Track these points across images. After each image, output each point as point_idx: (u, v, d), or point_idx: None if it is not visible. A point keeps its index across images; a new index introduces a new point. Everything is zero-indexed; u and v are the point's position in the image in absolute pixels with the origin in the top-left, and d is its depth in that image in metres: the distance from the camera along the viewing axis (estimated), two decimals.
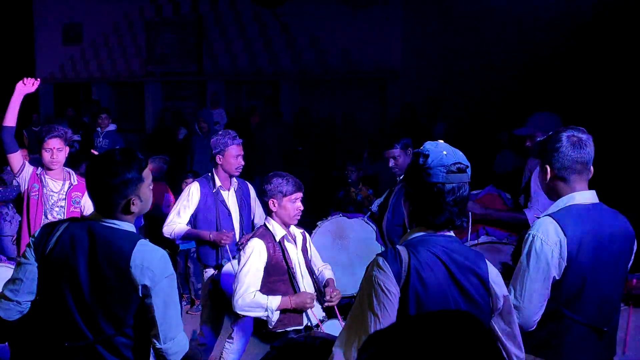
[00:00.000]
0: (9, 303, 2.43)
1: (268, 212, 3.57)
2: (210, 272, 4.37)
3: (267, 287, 3.46)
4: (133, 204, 2.37)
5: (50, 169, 4.23)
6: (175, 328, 2.38)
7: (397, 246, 2.07)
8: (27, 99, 4.30)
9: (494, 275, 2.11)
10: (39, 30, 15.39)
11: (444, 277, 2.01)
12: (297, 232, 3.69)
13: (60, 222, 2.49)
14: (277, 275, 3.49)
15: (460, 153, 2.10)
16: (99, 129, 8.93)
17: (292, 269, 3.52)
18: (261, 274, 3.45)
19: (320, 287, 3.67)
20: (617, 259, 2.48)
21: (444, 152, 2.04)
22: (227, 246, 4.25)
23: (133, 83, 14.19)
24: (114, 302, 2.32)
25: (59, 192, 4.25)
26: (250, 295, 3.38)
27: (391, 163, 4.38)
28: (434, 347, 0.79)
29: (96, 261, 2.31)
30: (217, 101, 11.52)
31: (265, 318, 3.41)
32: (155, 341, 2.35)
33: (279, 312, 3.43)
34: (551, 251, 2.38)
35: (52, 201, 4.22)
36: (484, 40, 9.96)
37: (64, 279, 2.34)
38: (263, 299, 3.39)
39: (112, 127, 9.05)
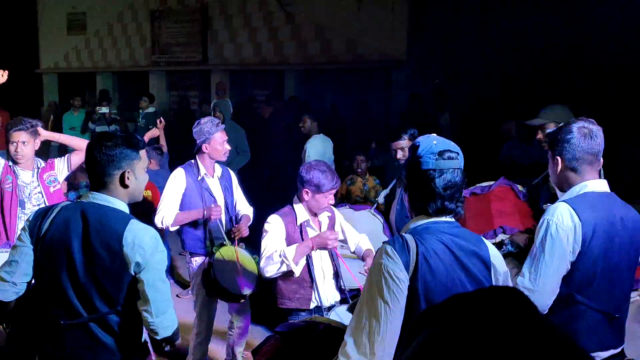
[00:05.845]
0: (5, 284, 2.54)
1: (298, 196, 3.63)
2: (199, 260, 4.34)
3: None
4: (128, 178, 2.48)
5: (16, 163, 4.20)
6: (166, 302, 2.49)
7: (404, 234, 2.11)
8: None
9: (494, 253, 2.19)
10: (43, 20, 15.38)
11: (450, 263, 2.06)
12: (324, 216, 3.77)
13: (55, 205, 2.60)
14: None
15: (452, 142, 2.19)
16: (140, 110, 10.11)
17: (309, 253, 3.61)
18: (283, 243, 3.58)
19: (339, 271, 3.74)
20: (629, 247, 2.52)
21: (434, 142, 2.14)
22: (218, 221, 4.26)
23: (138, 72, 14.17)
24: (107, 280, 2.42)
25: (31, 182, 4.22)
26: (271, 262, 3.52)
27: (399, 154, 4.38)
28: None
29: (89, 241, 2.41)
30: (222, 91, 11.50)
31: (288, 269, 3.54)
32: (147, 315, 2.45)
33: (300, 264, 3.54)
34: (566, 235, 2.41)
35: (28, 191, 4.20)
36: (490, 30, 9.92)
37: (59, 260, 2.44)
38: (279, 251, 3.53)
39: (151, 109, 10.18)
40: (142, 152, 2.56)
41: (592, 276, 2.45)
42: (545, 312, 2.47)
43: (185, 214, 4.24)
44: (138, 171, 2.53)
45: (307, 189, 3.57)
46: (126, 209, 2.52)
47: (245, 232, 4.30)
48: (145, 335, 2.63)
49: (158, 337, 2.52)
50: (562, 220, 2.42)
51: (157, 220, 4.25)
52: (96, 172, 2.50)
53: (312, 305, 3.65)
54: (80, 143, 4.35)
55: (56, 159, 4.41)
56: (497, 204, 3.82)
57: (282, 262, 3.50)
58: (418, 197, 2.15)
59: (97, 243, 2.40)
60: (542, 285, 2.43)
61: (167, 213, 4.20)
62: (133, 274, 2.40)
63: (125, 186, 2.49)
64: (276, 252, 3.51)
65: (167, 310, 2.50)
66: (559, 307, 2.47)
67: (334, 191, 3.61)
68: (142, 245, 2.39)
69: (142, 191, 2.62)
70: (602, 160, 2.56)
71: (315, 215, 3.71)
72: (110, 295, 2.43)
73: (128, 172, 2.48)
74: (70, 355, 2.48)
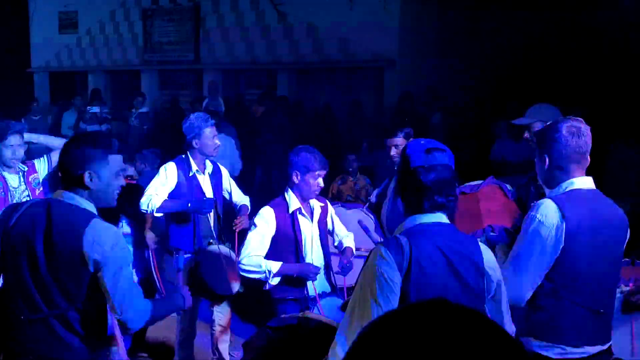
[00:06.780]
0: None
1: (289, 183, 3.64)
2: (185, 257, 4.31)
3: (274, 256, 3.61)
4: (91, 179, 2.48)
5: (9, 167, 4.15)
6: (129, 298, 2.47)
7: (398, 236, 2.12)
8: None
9: (489, 259, 2.19)
10: (35, 18, 15.28)
11: (443, 267, 2.08)
12: (316, 205, 3.77)
13: (25, 202, 2.68)
14: (285, 245, 3.63)
15: (439, 142, 2.25)
16: (133, 110, 10.09)
17: (300, 241, 3.63)
18: (268, 241, 3.60)
19: (329, 262, 3.74)
20: (613, 243, 2.56)
21: (422, 142, 2.23)
22: (207, 218, 4.26)
23: (130, 72, 14.12)
24: (68, 277, 2.45)
25: (19, 186, 4.20)
26: (254, 258, 3.54)
27: (393, 151, 4.42)
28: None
29: (51, 238, 2.44)
30: (215, 90, 11.47)
31: (264, 280, 3.58)
32: (115, 311, 2.47)
33: (279, 277, 3.58)
34: (549, 231, 2.45)
35: (17, 195, 4.16)
36: (482, 28, 9.96)
37: (23, 254, 2.49)
38: (264, 262, 3.55)
39: (144, 109, 10.22)
40: (113, 157, 2.55)
41: (576, 272, 2.49)
42: (523, 305, 2.51)
43: (172, 202, 4.21)
44: (104, 175, 2.51)
45: (296, 171, 3.59)
46: (93, 209, 2.52)
47: (247, 223, 4.29)
48: (110, 320, 2.62)
49: (130, 331, 2.56)
50: (546, 216, 2.46)
51: (144, 203, 4.19)
52: (63, 171, 2.55)
53: (304, 294, 3.69)
54: (59, 143, 4.32)
55: (35, 160, 4.36)
56: (486, 203, 3.84)
57: (265, 274, 3.54)
58: (410, 194, 2.18)
59: (59, 240, 2.43)
60: (520, 278, 2.47)
61: (155, 197, 4.15)
62: (92, 271, 2.43)
63: (86, 187, 2.49)
64: (262, 262, 3.55)
65: (136, 305, 2.50)
66: (545, 303, 2.51)
67: (323, 173, 3.63)
68: (101, 243, 2.41)
69: (112, 195, 2.59)
70: (589, 158, 2.59)
71: (307, 203, 3.70)
72: (70, 291, 2.46)
73: (90, 173, 2.47)
74: (31, 351, 2.51)
